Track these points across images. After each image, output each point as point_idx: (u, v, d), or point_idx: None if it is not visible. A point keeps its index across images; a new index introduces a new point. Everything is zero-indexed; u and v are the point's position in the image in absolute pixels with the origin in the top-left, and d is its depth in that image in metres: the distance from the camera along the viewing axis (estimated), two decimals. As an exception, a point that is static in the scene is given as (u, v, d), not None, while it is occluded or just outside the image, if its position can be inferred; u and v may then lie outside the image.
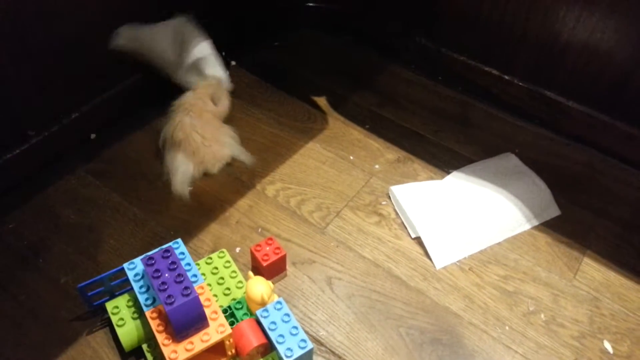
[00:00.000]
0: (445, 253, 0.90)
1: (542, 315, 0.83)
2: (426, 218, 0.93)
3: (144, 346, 0.75)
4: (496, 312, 0.83)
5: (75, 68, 0.98)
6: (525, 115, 1.16)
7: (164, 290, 0.67)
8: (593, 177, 1.05)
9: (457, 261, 0.90)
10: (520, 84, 1.13)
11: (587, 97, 1.07)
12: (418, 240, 0.92)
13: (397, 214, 0.97)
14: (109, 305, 0.76)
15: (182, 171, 0.96)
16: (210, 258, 0.85)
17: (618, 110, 1.04)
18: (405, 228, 0.95)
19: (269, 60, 1.29)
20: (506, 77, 1.15)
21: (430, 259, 0.90)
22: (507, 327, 0.81)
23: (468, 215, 0.95)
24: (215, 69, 1.10)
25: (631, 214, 0.99)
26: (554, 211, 0.98)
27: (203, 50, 1.07)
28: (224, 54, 1.27)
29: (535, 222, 0.96)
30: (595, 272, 0.89)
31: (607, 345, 0.80)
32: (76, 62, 0.97)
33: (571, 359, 0.78)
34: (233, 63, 1.26)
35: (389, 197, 1.00)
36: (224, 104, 1.07)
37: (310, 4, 1.38)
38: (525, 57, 1.10)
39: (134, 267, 0.74)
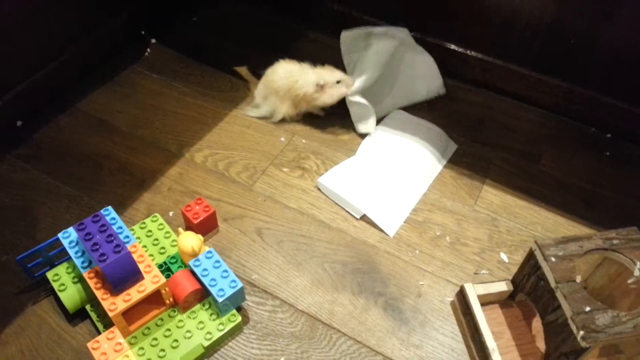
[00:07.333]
0: (392, 220, 0.96)
1: (448, 238, 0.95)
2: (364, 196, 0.98)
3: (87, 307, 0.81)
4: (408, 240, 0.94)
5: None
6: (431, 67, 1.26)
7: (96, 250, 0.72)
8: (491, 116, 1.17)
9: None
10: (426, 39, 1.23)
11: (481, 44, 1.18)
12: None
13: (319, 166, 1.05)
14: (50, 274, 0.81)
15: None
16: (144, 223, 0.91)
17: (508, 52, 1.15)
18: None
19: (188, 35, 1.33)
20: (411, 34, 1.23)
21: (383, 231, 0.95)
22: (417, 252, 0.92)
23: (395, 181, 1.02)
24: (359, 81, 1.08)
25: (524, 144, 1.12)
26: (453, 146, 1.10)
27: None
28: (143, 32, 1.31)
29: (444, 161, 1.07)
30: (493, 197, 1.01)
31: (504, 256, 0.92)
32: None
33: (473, 271, 0.90)
34: (153, 41, 1.30)
35: (312, 153, 1.08)
36: (325, 99, 1.07)
37: (226, -22, 1.42)
38: (424, 13, 1.19)
39: (68, 236, 0.79)
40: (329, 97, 1.06)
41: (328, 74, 1.05)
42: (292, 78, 1.06)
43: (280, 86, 1.07)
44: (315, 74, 1.05)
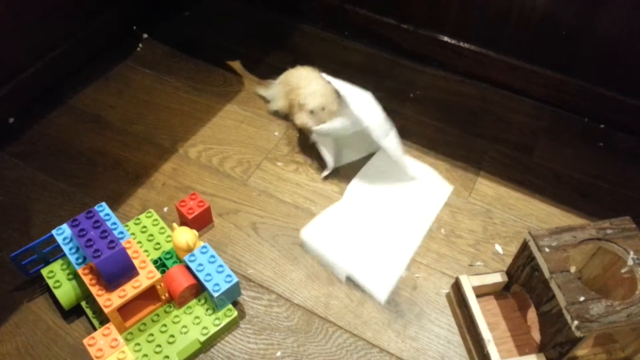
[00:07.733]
0: (383, 284, 0.87)
1: (443, 230, 0.95)
2: (350, 257, 0.89)
3: (83, 303, 0.80)
4: (403, 233, 0.94)
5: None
6: (424, 60, 1.26)
7: (90, 246, 0.72)
8: (486, 108, 1.17)
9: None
10: (417, 31, 1.23)
11: (474, 36, 1.17)
12: (334, 183, 1.01)
13: (312, 159, 1.05)
14: (44, 271, 0.81)
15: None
16: (139, 219, 0.90)
17: (501, 44, 1.15)
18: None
19: (181, 30, 1.33)
20: (404, 26, 1.23)
21: (372, 295, 0.86)
22: (412, 244, 0.93)
23: (384, 236, 0.93)
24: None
25: (519, 136, 1.12)
26: (447, 187, 1.01)
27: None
28: (135, 27, 1.30)
29: (438, 209, 0.97)
30: (487, 189, 1.02)
31: (498, 248, 0.93)
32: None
33: (468, 263, 0.90)
34: (145, 36, 1.29)
35: (306, 147, 1.07)
36: (296, 118, 1.02)
37: (218, -28, 1.41)
38: (416, 5, 1.19)
39: (63, 232, 0.79)
40: (298, 118, 1.01)
41: (314, 98, 0.98)
42: (301, 82, 1.02)
43: (289, 82, 1.07)
44: (310, 92, 0.99)
